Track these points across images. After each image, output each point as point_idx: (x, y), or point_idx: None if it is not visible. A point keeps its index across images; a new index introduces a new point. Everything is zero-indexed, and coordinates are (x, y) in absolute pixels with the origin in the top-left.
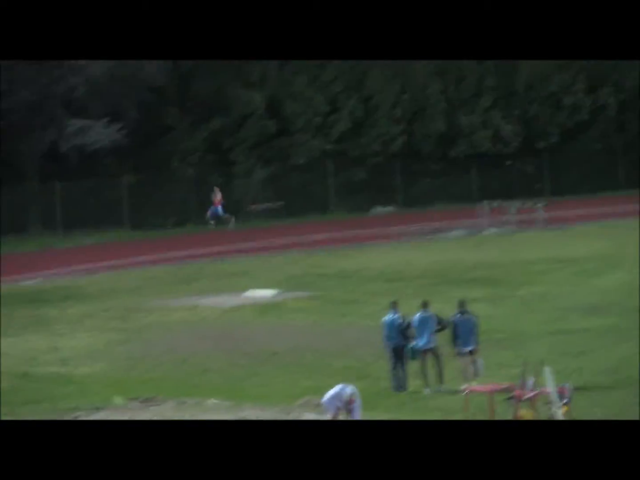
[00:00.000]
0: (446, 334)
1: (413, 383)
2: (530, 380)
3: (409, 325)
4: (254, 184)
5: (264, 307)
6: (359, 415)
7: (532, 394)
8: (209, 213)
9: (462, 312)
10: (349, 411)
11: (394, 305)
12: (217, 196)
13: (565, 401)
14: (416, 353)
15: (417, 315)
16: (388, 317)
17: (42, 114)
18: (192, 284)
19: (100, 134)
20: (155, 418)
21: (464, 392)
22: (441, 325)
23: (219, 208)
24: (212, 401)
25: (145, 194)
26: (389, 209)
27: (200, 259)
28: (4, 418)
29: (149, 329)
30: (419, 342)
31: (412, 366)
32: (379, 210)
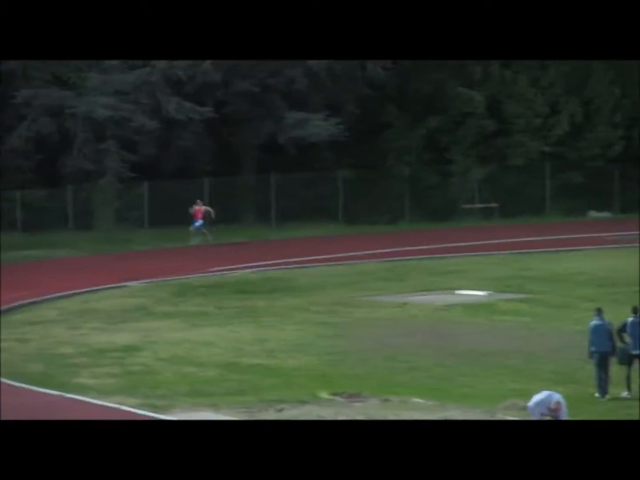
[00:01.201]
0: None
1: (615, 389)
2: None
3: (624, 330)
4: (470, 183)
5: (474, 307)
6: None
7: None
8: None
9: None
10: (554, 418)
11: (599, 312)
12: (199, 208)
13: None
14: (628, 358)
15: (630, 321)
16: (594, 322)
17: (261, 106)
18: (402, 281)
19: (319, 127)
20: (359, 415)
21: None
22: None
23: (200, 222)
24: (416, 400)
25: (360, 189)
26: (605, 214)
27: (412, 256)
28: (207, 407)
29: (357, 325)
30: (633, 347)
31: (616, 371)
32: (595, 214)
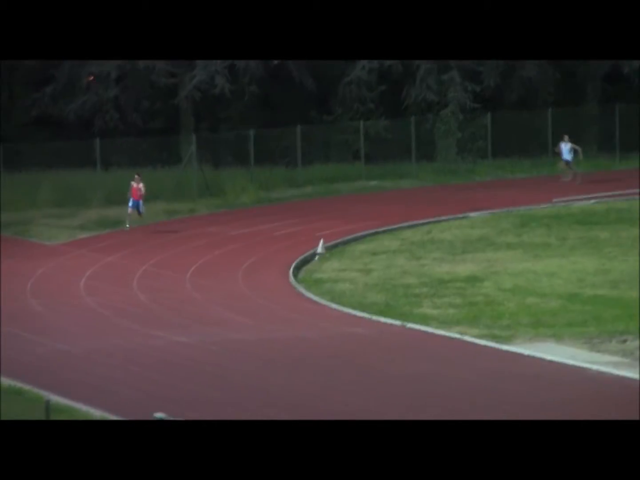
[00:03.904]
0: None
1: None
2: None
3: None
4: None
5: None
6: None
7: None
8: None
9: None
10: None
11: None
12: (137, 185)
13: None
14: None
15: None
16: None
17: None
18: None
19: None
20: None
21: None
22: None
23: (139, 202)
24: None
25: None
26: None
27: None
28: (549, 338)
29: None
30: None
31: None
32: None
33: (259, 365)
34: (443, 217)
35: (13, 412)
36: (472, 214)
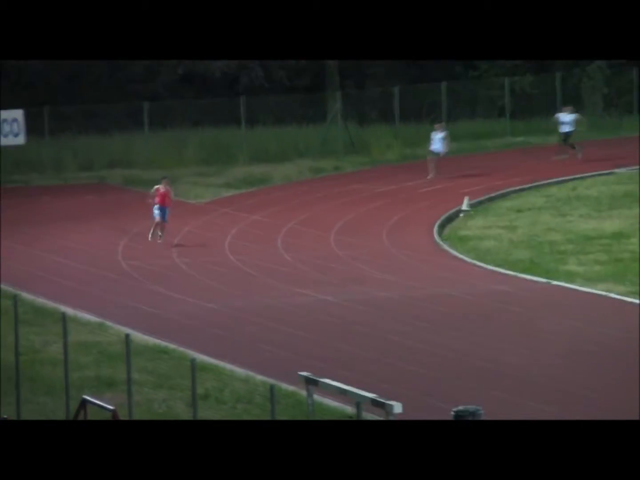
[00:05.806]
0: None
1: None
2: None
3: None
4: None
5: None
6: None
7: None
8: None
9: None
10: None
11: None
12: (165, 189)
13: None
14: None
15: None
16: None
17: None
18: None
19: None
20: None
21: None
22: None
23: (166, 209)
24: None
25: None
26: None
27: None
28: None
29: None
30: None
31: None
32: None
33: (405, 323)
34: (589, 173)
35: (160, 370)
36: (619, 170)
